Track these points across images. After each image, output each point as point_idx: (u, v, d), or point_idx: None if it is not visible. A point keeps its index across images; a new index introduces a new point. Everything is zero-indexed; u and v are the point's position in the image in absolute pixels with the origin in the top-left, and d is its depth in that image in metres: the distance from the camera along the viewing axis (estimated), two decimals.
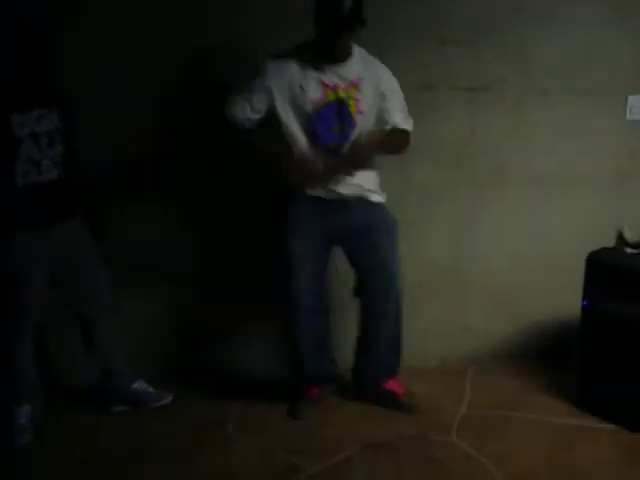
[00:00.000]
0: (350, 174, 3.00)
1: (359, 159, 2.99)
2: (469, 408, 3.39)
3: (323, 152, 2.97)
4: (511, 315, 3.79)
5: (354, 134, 2.97)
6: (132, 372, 3.45)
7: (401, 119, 3.08)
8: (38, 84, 3.00)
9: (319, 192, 3.06)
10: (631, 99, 3.57)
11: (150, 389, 3.47)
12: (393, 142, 3.07)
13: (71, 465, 3.04)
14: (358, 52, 2.97)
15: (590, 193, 3.68)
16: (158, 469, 3.00)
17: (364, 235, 3.13)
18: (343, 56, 2.92)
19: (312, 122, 2.95)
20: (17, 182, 2.93)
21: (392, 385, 3.45)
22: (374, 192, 3.13)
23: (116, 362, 3.40)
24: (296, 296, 3.18)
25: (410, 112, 3.12)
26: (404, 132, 3.10)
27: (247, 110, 2.96)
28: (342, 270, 3.32)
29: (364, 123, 2.98)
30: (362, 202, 3.10)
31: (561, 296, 3.54)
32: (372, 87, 2.97)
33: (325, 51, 2.89)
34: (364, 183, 3.08)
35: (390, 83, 3.03)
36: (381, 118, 3.05)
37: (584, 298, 3.26)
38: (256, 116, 2.98)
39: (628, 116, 3.57)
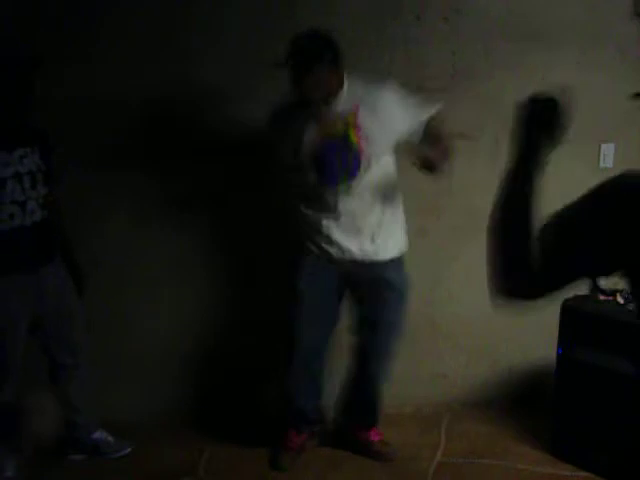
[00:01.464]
0: (442, 163, 2.91)
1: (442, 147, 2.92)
2: (444, 456, 3.36)
3: (335, 187, 2.99)
4: (486, 362, 3.78)
5: (364, 162, 2.96)
6: (93, 421, 3.37)
7: (423, 115, 3.00)
8: (20, 123, 2.93)
9: (332, 252, 3.08)
10: (604, 147, 3.62)
11: (110, 438, 3.39)
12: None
13: None
14: (353, 80, 2.96)
15: None
16: None
17: (370, 291, 3.14)
18: (320, 94, 2.90)
19: (317, 161, 2.98)
20: (2, 225, 2.84)
21: (370, 433, 3.41)
22: (390, 253, 3.12)
23: (83, 414, 3.32)
24: (301, 336, 3.15)
25: None
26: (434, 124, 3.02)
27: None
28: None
29: (373, 148, 2.97)
30: (374, 263, 3.09)
31: (537, 343, 3.53)
32: (374, 111, 2.94)
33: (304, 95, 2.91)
34: (380, 248, 3.08)
35: (395, 105, 2.97)
36: (413, 135, 3.01)
37: (559, 345, 3.26)
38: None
39: (602, 164, 3.63)
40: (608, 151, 3.62)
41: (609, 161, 3.62)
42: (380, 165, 3.01)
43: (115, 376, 3.49)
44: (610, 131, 3.62)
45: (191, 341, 3.67)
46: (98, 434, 3.37)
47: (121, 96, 3.34)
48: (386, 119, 2.95)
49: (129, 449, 3.39)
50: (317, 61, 2.82)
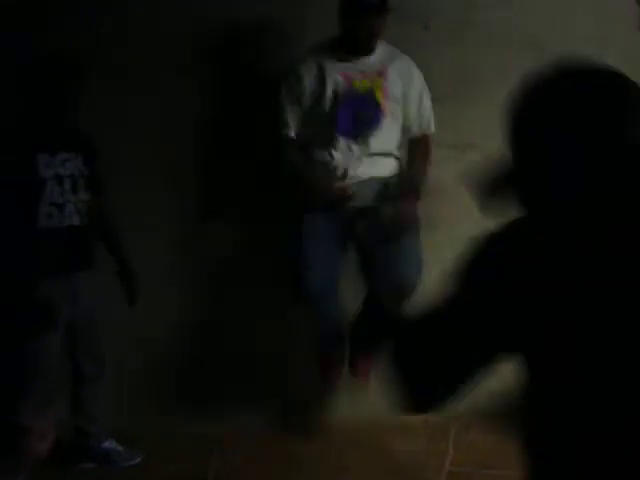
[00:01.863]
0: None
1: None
2: (452, 465, 3.35)
3: (349, 142, 3.03)
4: (495, 371, 3.77)
5: (383, 122, 3.04)
6: (104, 431, 3.36)
7: (419, 125, 3.17)
8: (64, 127, 2.97)
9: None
10: None
11: (120, 448, 3.38)
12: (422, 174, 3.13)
13: None
14: (385, 46, 3.07)
15: None
16: None
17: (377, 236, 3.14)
18: (368, 45, 3.01)
19: (337, 113, 3.03)
20: (39, 225, 2.87)
21: (362, 366, 3.35)
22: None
23: (97, 424, 3.32)
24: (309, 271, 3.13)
25: None
26: (423, 143, 3.19)
27: (296, 124, 3.08)
28: None
29: (395, 111, 3.07)
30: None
31: None
32: (399, 78, 3.07)
33: (350, 41, 3.01)
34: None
35: (417, 85, 3.14)
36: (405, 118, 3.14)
37: None
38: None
39: None
40: None
41: None
42: (394, 131, 3.10)
43: (124, 383, 3.49)
44: None
45: (199, 346, 3.67)
46: (108, 443, 3.36)
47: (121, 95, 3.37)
48: (404, 93, 3.09)
49: (139, 458, 3.39)
50: (377, 9, 2.93)
